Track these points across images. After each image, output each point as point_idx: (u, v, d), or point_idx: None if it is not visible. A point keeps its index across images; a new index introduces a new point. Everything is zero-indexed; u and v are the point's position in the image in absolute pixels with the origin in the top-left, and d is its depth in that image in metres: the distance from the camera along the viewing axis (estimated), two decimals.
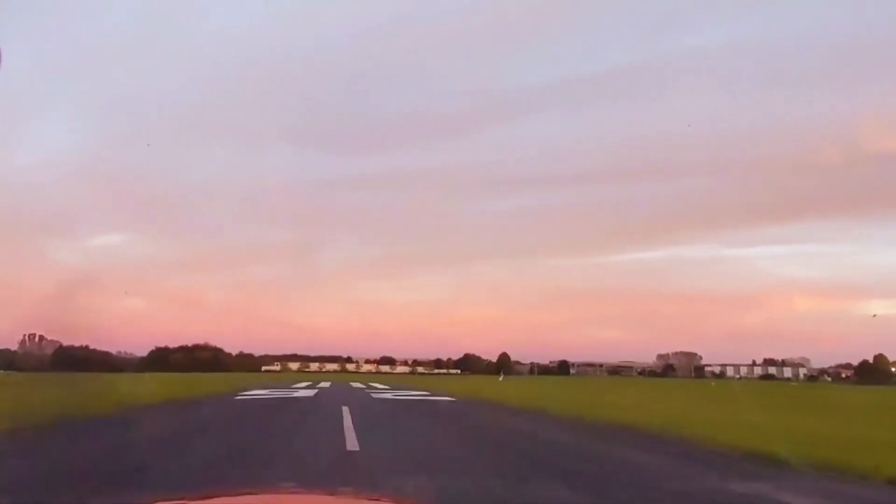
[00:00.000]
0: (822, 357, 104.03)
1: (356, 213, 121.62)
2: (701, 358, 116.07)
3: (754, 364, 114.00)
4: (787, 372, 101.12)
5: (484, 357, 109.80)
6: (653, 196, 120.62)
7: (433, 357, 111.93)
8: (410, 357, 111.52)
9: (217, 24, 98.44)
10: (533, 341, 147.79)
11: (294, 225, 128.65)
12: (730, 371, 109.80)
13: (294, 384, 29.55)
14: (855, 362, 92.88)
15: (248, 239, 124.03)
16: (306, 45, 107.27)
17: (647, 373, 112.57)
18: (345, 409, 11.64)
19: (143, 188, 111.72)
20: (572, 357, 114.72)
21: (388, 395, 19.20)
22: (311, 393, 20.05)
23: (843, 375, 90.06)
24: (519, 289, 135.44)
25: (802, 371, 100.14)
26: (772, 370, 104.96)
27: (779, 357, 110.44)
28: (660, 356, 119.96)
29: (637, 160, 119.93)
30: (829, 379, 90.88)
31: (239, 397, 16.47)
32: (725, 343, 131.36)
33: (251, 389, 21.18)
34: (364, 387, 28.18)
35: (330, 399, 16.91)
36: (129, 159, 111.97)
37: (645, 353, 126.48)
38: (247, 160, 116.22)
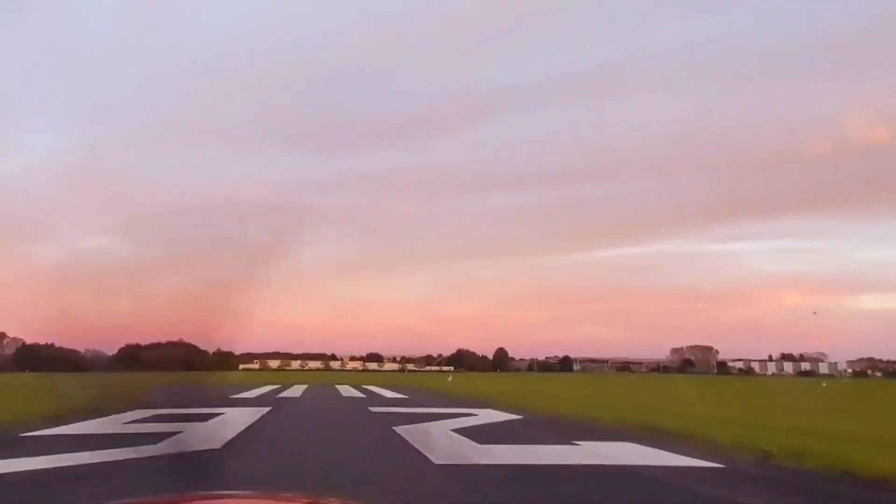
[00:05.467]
0: (833, 352, 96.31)
1: (339, 211, 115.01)
2: (718, 352, 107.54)
3: (771, 359, 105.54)
4: (823, 367, 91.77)
5: (479, 353, 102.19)
6: (640, 193, 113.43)
7: (422, 354, 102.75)
8: (398, 354, 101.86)
9: (196, 28, 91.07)
10: (528, 337, 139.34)
11: (279, 223, 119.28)
12: (754, 366, 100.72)
13: (250, 390, 18.81)
14: (877, 356, 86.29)
15: (230, 237, 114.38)
16: (286, 45, 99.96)
17: (661, 369, 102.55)
18: None
19: (123, 188, 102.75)
20: (571, 353, 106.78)
21: (446, 438, 7.41)
22: (229, 434, 7.23)
23: None
24: (508, 286, 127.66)
25: (842, 367, 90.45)
26: (805, 366, 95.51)
27: (794, 351, 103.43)
28: (674, 350, 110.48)
29: (623, 157, 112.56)
30: (880, 374, 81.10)
31: None
32: (728, 337, 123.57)
33: (135, 408, 10.45)
34: (362, 396, 17.22)
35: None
36: (106, 160, 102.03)
37: (646, 348, 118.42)
38: (228, 161, 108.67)
